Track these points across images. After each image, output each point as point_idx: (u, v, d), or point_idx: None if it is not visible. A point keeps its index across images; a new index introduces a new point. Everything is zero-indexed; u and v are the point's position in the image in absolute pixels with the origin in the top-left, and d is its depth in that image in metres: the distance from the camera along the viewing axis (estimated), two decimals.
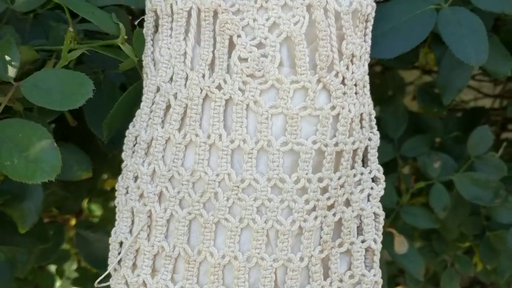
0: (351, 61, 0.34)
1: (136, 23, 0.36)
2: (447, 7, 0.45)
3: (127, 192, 0.35)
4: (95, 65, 0.46)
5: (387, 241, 0.62)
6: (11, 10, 0.47)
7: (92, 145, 0.51)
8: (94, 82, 0.44)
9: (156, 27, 0.35)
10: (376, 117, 0.40)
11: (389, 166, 0.70)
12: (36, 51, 0.42)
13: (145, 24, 0.35)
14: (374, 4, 0.35)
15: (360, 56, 0.34)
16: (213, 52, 0.32)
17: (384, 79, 0.74)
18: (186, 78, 0.33)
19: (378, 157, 0.65)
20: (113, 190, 0.38)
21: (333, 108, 0.33)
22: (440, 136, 0.72)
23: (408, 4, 0.45)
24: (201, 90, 0.32)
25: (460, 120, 0.76)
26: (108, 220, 0.86)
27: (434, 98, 0.62)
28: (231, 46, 0.32)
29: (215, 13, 0.32)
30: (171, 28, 0.33)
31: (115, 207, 0.38)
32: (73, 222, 0.91)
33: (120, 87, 0.48)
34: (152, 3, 0.34)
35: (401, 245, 0.59)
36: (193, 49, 0.33)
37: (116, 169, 0.47)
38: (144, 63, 0.35)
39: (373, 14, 0.35)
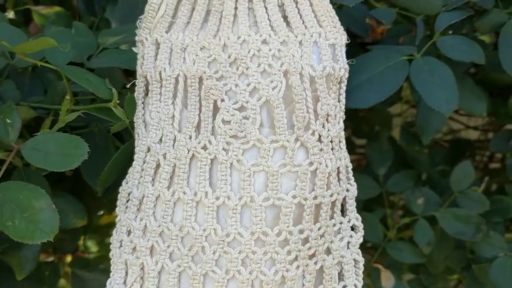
0: (327, 120, 0.36)
1: (128, 86, 0.39)
2: (420, 57, 0.49)
3: (121, 245, 0.37)
4: None
5: (375, 276, 0.64)
6: (11, 65, 0.50)
7: (88, 184, 0.53)
8: (88, 134, 0.47)
9: (147, 91, 0.37)
10: (362, 153, 0.42)
11: (375, 201, 0.73)
12: (34, 108, 0.45)
13: (136, 88, 0.38)
14: (347, 67, 0.38)
15: (335, 115, 0.37)
16: (199, 115, 0.35)
17: (371, 114, 0.77)
18: (174, 140, 0.35)
19: (364, 193, 0.67)
20: (109, 225, 0.41)
21: (311, 164, 0.35)
22: (427, 169, 0.74)
23: (382, 56, 0.48)
24: (188, 151, 0.35)
25: (446, 153, 0.79)
26: (104, 257, 0.88)
27: (415, 137, 0.65)
28: (216, 109, 0.35)
29: (200, 79, 0.35)
30: (160, 93, 0.36)
31: (110, 243, 0.40)
32: (68, 258, 0.92)
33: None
34: (143, 69, 0.37)
35: (387, 280, 0.61)
36: (181, 112, 0.36)
37: (111, 205, 0.49)
38: (135, 124, 0.37)
39: (347, 75, 0.38)
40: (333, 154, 0.37)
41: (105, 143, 0.46)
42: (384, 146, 0.69)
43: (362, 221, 0.41)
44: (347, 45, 0.40)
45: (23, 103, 0.46)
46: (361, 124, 0.76)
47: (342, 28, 0.38)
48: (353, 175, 0.44)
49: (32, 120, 0.46)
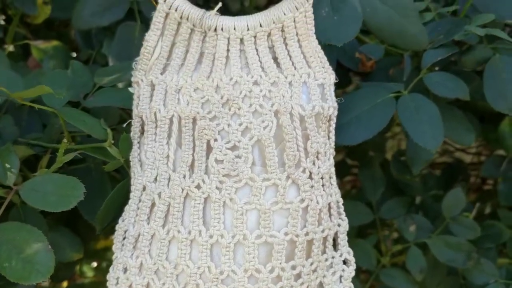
0: (317, 157, 0.37)
1: (124, 125, 0.40)
2: (407, 94, 0.50)
3: (117, 283, 0.38)
4: None
5: None
6: (9, 100, 0.51)
7: None
8: (85, 169, 0.48)
9: (143, 130, 0.39)
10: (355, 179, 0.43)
11: (369, 226, 0.74)
12: (33, 145, 0.46)
13: (132, 128, 0.39)
14: (336, 105, 0.39)
15: (325, 152, 0.38)
16: (192, 154, 0.36)
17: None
18: (169, 179, 0.37)
19: (358, 219, 0.68)
20: (105, 250, 0.41)
21: (302, 201, 0.36)
22: (420, 193, 0.75)
23: (370, 94, 0.49)
24: (182, 190, 0.36)
25: (439, 177, 0.80)
26: (100, 282, 0.88)
27: (406, 166, 0.66)
28: (209, 148, 0.36)
29: (194, 120, 0.36)
30: (155, 133, 0.37)
31: (107, 267, 0.40)
32: (64, 284, 0.92)
33: None
34: (139, 109, 0.38)
35: None
36: (175, 152, 0.37)
37: (107, 230, 0.49)
38: (131, 163, 0.39)
39: (336, 113, 0.39)
40: (323, 190, 0.38)
41: (101, 178, 0.47)
42: (377, 174, 0.70)
43: (356, 248, 0.42)
44: (338, 72, 0.42)
45: (21, 139, 0.47)
46: (354, 147, 0.78)
47: (330, 68, 0.39)
48: (348, 197, 0.45)
49: (31, 155, 0.47)
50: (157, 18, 0.38)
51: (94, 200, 0.44)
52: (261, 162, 0.36)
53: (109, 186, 0.46)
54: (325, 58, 0.39)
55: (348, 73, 0.67)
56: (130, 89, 0.40)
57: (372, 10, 0.44)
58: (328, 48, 0.58)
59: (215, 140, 0.36)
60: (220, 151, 0.36)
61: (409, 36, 0.45)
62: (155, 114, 0.37)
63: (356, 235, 0.73)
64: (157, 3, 0.38)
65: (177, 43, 0.38)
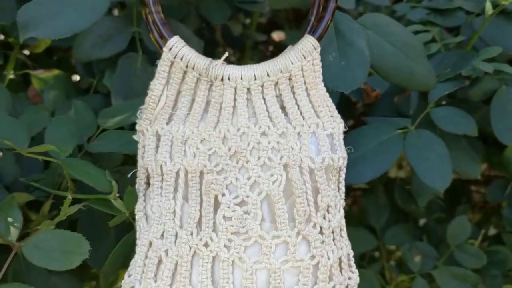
0: (327, 210, 0.37)
1: (129, 175, 0.39)
2: (414, 130, 0.49)
3: None
4: None
5: None
6: None
7: None
8: (86, 212, 0.47)
9: (148, 182, 0.38)
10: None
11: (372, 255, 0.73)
12: (34, 189, 0.45)
13: (137, 180, 0.38)
14: (345, 155, 0.38)
15: (335, 205, 0.37)
16: (200, 210, 0.35)
17: None
18: (176, 235, 0.36)
19: (361, 246, 0.67)
20: None
21: (312, 257, 0.35)
22: (424, 216, 0.75)
23: (376, 131, 0.49)
24: (190, 248, 0.35)
25: (443, 199, 0.79)
26: None
27: (411, 195, 0.65)
28: (216, 203, 0.35)
29: (201, 173, 0.35)
30: (161, 187, 0.36)
31: None
32: None
33: None
34: (144, 161, 0.37)
35: None
36: (182, 207, 0.36)
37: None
38: (137, 217, 0.38)
39: (345, 163, 0.38)
40: (334, 245, 0.37)
41: (104, 221, 0.46)
42: (381, 200, 0.69)
43: (359, 278, 0.41)
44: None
45: (22, 180, 0.46)
46: None
47: (339, 117, 0.38)
48: (350, 218, 0.44)
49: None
50: (162, 67, 0.36)
51: (98, 244, 0.43)
52: (270, 218, 0.35)
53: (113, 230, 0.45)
54: (334, 106, 0.38)
55: (352, 103, 0.66)
56: (134, 137, 0.39)
57: (380, 52, 0.43)
58: None
59: (223, 195, 0.35)
60: (228, 207, 0.35)
61: (417, 77, 0.44)
62: (161, 167, 0.36)
63: (360, 260, 0.72)
64: (161, 49, 0.38)
65: (182, 91, 0.37)
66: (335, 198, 0.37)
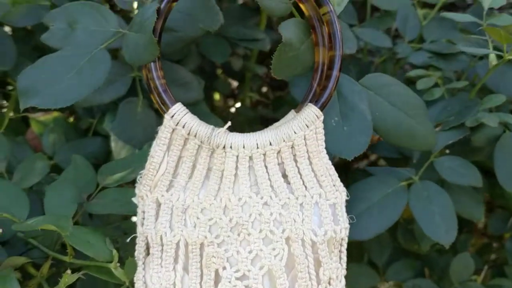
0: (329, 283, 0.36)
1: (128, 240, 0.39)
2: (418, 181, 0.49)
3: None
4: None
5: None
6: None
7: None
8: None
9: (148, 250, 0.37)
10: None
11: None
12: (33, 245, 0.44)
13: (136, 246, 0.38)
14: (348, 225, 0.37)
15: (337, 276, 0.36)
16: (200, 283, 0.35)
17: None
18: None
19: (363, 283, 0.66)
20: None
21: None
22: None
23: (380, 183, 0.48)
24: None
25: None
26: None
27: (414, 235, 0.65)
28: (217, 277, 0.35)
29: (202, 245, 0.35)
30: (161, 257, 0.36)
31: None
32: None
33: None
34: (144, 228, 0.37)
35: None
36: (182, 279, 0.35)
37: None
38: (136, 285, 0.37)
39: (347, 233, 0.37)
40: None
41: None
42: (383, 238, 0.69)
43: None
44: None
45: (20, 235, 0.46)
46: None
47: (341, 185, 0.38)
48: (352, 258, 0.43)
49: None
50: (163, 133, 0.36)
51: None
52: None
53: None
54: (336, 174, 0.37)
55: None
56: (133, 199, 0.39)
57: (382, 114, 0.43)
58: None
59: (224, 268, 0.34)
60: (229, 282, 0.34)
61: (418, 137, 0.44)
62: (161, 237, 0.35)
63: None
64: (163, 113, 0.37)
65: (183, 158, 0.36)
66: (336, 270, 0.36)
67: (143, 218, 0.37)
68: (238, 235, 0.34)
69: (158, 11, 0.38)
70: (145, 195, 0.37)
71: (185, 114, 0.36)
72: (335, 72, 0.36)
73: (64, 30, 0.43)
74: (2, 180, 0.41)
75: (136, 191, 0.38)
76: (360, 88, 0.42)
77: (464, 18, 0.51)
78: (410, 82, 0.58)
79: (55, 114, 0.60)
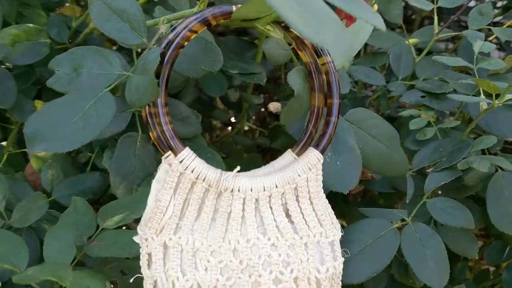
0: None
1: (131, 280, 0.38)
2: (411, 223, 0.50)
3: None
4: None
5: None
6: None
7: None
8: None
9: None
10: None
11: None
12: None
13: None
14: (343, 259, 0.39)
15: None
16: None
17: None
18: None
19: None
20: None
21: None
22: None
23: (373, 225, 0.49)
24: None
25: None
26: None
27: (408, 269, 0.65)
28: None
29: None
30: None
31: None
32: None
33: None
34: (152, 272, 0.36)
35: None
36: None
37: None
38: None
39: (342, 266, 0.39)
40: None
41: None
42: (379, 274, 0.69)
43: None
44: None
45: None
46: None
47: (337, 222, 0.40)
48: None
49: None
50: (170, 177, 0.36)
51: None
52: None
53: None
54: (333, 213, 0.39)
55: None
56: (135, 239, 0.39)
57: (364, 145, 0.46)
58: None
59: None
60: None
61: (394, 164, 0.48)
62: (173, 282, 0.35)
63: None
64: (163, 152, 0.38)
65: (190, 200, 0.37)
66: None
67: (149, 261, 0.37)
68: (250, 276, 0.35)
69: (163, 55, 0.38)
70: (150, 237, 0.37)
71: (193, 159, 0.36)
72: (333, 119, 0.40)
73: (69, 74, 0.44)
74: (3, 231, 0.42)
75: (139, 232, 0.38)
76: (348, 125, 0.45)
77: (456, 62, 0.52)
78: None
79: None
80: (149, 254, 0.37)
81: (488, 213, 0.52)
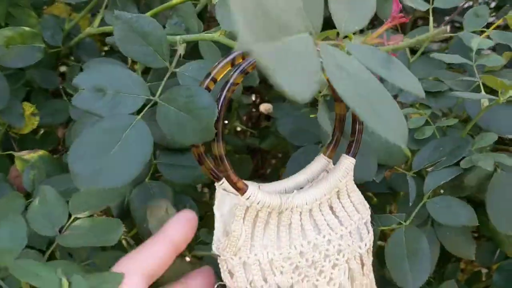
0: (371, 279, 0.46)
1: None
2: (405, 226, 0.49)
3: None
4: None
5: None
6: None
7: None
8: None
9: None
10: None
11: None
12: None
13: None
14: (373, 232, 0.46)
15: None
16: None
17: None
18: None
19: None
20: None
21: None
22: None
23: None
24: None
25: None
26: None
27: None
28: None
29: (291, 286, 0.41)
30: None
31: None
32: None
33: None
34: (236, 284, 0.41)
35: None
36: None
37: None
38: None
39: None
40: None
41: None
42: None
43: None
44: None
45: None
46: None
47: (367, 203, 0.45)
48: None
49: None
50: (239, 211, 0.40)
51: None
52: None
53: None
54: (363, 197, 0.45)
55: None
56: (214, 251, 0.42)
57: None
58: None
59: None
60: None
61: (396, 153, 0.51)
62: None
63: None
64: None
65: (257, 223, 0.41)
66: (370, 262, 0.45)
67: (231, 275, 0.41)
68: (315, 269, 0.42)
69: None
70: (229, 258, 0.41)
71: (258, 194, 0.40)
72: (359, 126, 0.45)
73: (94, 94, 0.42)
74: None
75: (215, 251, 0.42)
76: None
77: (453, 59, 0.51)
78: None
79: (40, 152, 0.58)
80: (230, 270, 0.41)
81: (488, 213, 0.51)
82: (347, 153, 0.45)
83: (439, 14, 0.78)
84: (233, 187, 0.40)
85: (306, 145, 0.56)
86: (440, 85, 0.56)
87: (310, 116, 0.57)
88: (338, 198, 0.44)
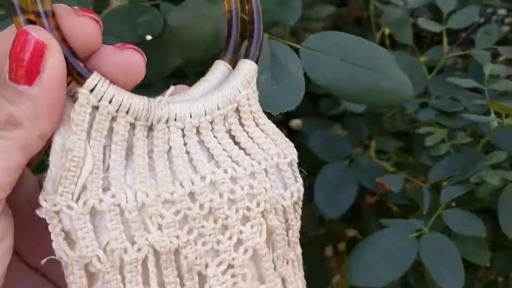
0: (295, 242, 0.32)
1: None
2: (428, 232, 0.54)
3: None
4: None
5: None
6: None
7: None
8: None
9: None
10: None
11: None
12: None
13: (68, 280, 0.27)
14: (302, 181, 0.32)
15: (298, 235, 0.33)
16: None
17: None
18: None
19: None
20: None
21: None
22: None
23: (393, 235, 0.53)
24: None
25: None
26: None
27: (426, 277, 0.69)
28: (201, 279, 0.28)
29: (176, 250, 0.27)
30: (123, 282, 0.26)
31: None
32: None
33: None
34: (79, 253, 0.26)
35: None
36: None
37: None
38: None
39: (302, 190, 0.33)
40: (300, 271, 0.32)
41: None
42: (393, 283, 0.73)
43: None
44: None
45: None
46: None
47: (289, 141, 0.33)
48: None
49: None
50: (80, 116, 0.25)
51: None
52: (257, 276, 0.29)
53: None
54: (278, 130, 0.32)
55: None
56: (38, 213, 0.26)
57: (332, 72, 0.42)
58: (350, 168, 0.62)
59: (207, 266, 0.27)
60: (217, 280, 0.27)
61: (383, 90, 0.42)
62: (120, 256, 0.25)
63: None
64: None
65: (113, 144, 0.26)
66: (298, 229, 0.32)
67: (69, 240, 0.26)
68: (215, 222, 0.27)
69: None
70: (65, 206, 0.25)
71: (109, 85, 0.25)
72: (257, 25, 0.32)
73: None
74: None
75: (44, 204, 0.25)
76: (290, 50, 0.42)
77: (467, 83, 0.56)
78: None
79: None
80: (68, 232, 0.25)
81: (500, 222, 0.56)
82: (245, 57, 0.31)
83: (455, 30, 0.83)
84: (72, 68, 0.25)
85: (335, 161, 0.60)
86: (456, 105, 0.61)
87: (337, 132, 0.62)
88: (242, 124, 0.30)
